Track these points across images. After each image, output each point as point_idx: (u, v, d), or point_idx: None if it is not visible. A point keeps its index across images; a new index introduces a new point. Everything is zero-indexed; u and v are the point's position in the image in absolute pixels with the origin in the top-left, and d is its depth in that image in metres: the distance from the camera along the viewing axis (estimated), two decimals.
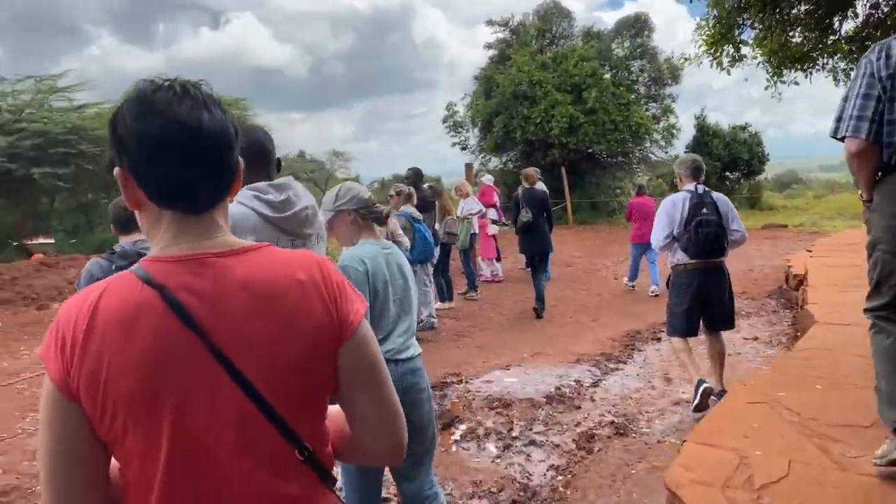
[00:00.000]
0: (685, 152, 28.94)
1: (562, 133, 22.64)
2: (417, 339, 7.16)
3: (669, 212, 4.89)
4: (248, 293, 1.06)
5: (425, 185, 8.75)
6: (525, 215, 8.41)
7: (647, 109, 24.67)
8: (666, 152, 25.62)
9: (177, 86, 1.07)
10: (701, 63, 10.55)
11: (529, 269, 10.18)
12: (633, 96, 24.14)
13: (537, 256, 8.72)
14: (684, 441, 3.64)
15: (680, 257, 4.91)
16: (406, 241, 7.01)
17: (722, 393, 4.80)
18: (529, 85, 23.47)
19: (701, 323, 5.12)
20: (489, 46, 26.73)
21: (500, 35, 26.52)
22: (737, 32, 9.37)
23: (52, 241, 20.25)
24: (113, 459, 1.07)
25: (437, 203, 8.53)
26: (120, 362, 0.99)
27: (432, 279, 8.46)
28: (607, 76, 24.37)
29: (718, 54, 9.76)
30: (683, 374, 5.57)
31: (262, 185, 2.40)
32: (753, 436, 3.50)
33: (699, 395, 4.84)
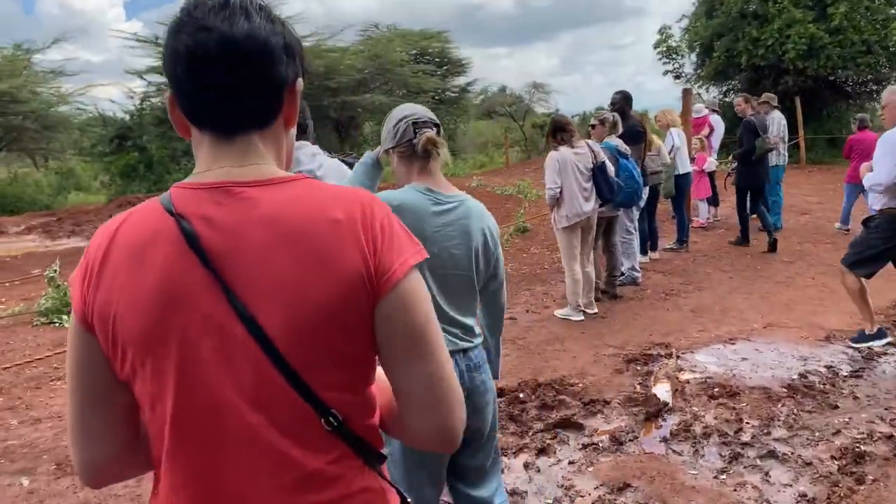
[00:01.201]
0: None
1: (798, 57, 19.43)
2: (615, 295, 6.01)
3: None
4: (271, 229, 0.92)
5: (633, 113, 7.30)
6: (766, 142, 7.68)
7: None
8: None
9: None
10: None
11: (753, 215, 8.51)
12: (892, 11, 20.04)
13: (753, 190, 8.18)
14: None
15: (892, 202, 4.58)
16: (611, 171, 5.80)
17: None
18: (760, 1, 20.32)
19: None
20: None
21: None
22: None
23: None
24: None
25: (646, 134, 7.10)
26: (128, 296, 0.92)
27: (636, 225, 7.14)
28: None
29: None
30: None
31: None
32: None
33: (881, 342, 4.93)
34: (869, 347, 4.93)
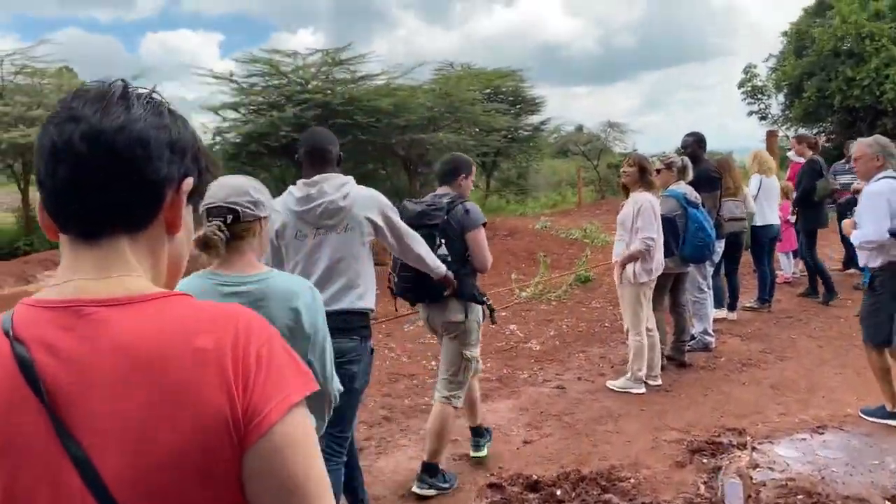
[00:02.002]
0: None
1: None
2: (683, 363, 5.57)
3: (890, 202, 4.19)
4: (123, 359, 0.79)
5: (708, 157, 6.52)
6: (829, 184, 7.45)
7: None
8: None
9: (115, 85, 0.88)
10: None
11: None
12: None
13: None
14: None
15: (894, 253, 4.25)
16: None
17: None
18: (857, 39, 19.07)
19: None
20: None
21: None
22: None
23: None
24: None
25: (722, 180, 6.31)
26: None
27: (710, 282, 6.32)
28: None
29: None
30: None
31: (300, 181, 2.98)
32: None
33: None
34: (887, 424, 4.43)
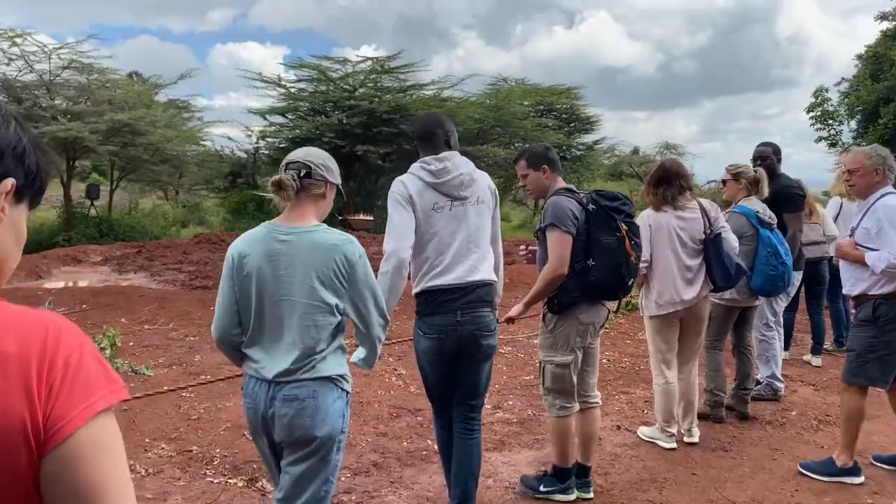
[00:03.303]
0: None
1: None
2: (745, 414, 4.75)
3: None
4: None
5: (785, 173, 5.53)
6: None
7: None
8: None
9: None
10: None
11: None
12: None
13: None
14: None
15: None
16: (732, 245, 4.16)
17: None
18: None
19: None
20: (882, 17, 21.00)
21: None
22: None
23: (371, 218, 20.60)
24: None
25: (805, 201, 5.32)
26: None
27: (780, 319, 5.34)
28: None
29: None
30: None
31: (427, 157, 3.05)
32: None
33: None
34: (840, 482, 3.85)
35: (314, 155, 2.40)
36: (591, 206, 3.44)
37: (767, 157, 5.25)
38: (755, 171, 4.73)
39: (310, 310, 2.26)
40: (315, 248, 2.27)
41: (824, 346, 6.41)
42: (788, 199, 5.02)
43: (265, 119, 22.13)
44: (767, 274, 4.55)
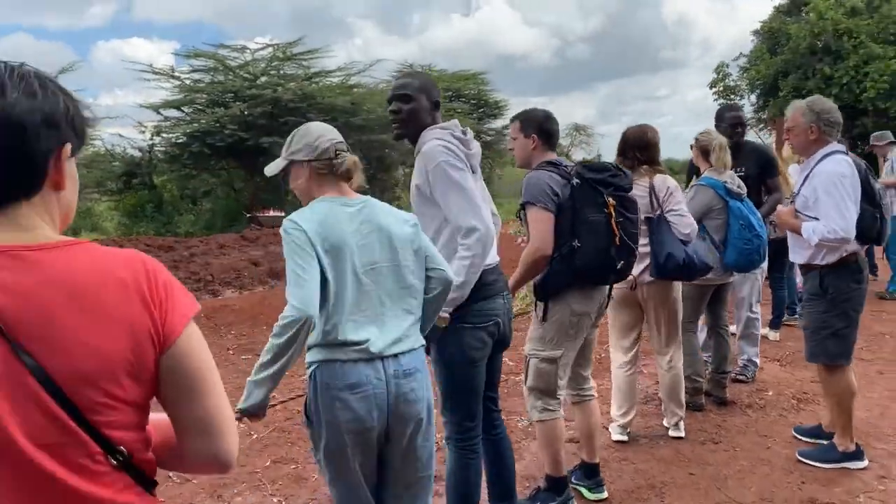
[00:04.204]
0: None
1: (879, 97, 17.33)
2: (724, 400, 4.44)
3: (853, 186, 3.38)
4: (61, 288, 1.00)
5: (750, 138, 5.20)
6: None
7: None
8: None
9: None
10: None
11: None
12: None
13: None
14: None
15: (851, 246, 3.46)
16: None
17: None
18: (834, 36, 18.36)
19: None
20: None
21: None
22: None
23: (282, 214, 19.63)
24: None
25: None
26: None
27: (758, 297, 4.99)
28: None
29: None
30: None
31: (447, 123, 2.65)
32: None
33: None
34: (844, 468, 3.54)
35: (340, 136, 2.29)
36: (574, 181, 2.94)
37: (724, 120, 4.91)
38: (716, 139, 4.34)
39: (400, 273, 2.12)
40: (385, 213, 2.18)
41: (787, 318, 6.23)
42: (772, 164, 4.71)
43: (159, 114, 20.66)
44: (742, 248, 4.19)
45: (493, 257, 2.64)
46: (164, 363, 1.07)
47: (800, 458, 3.65)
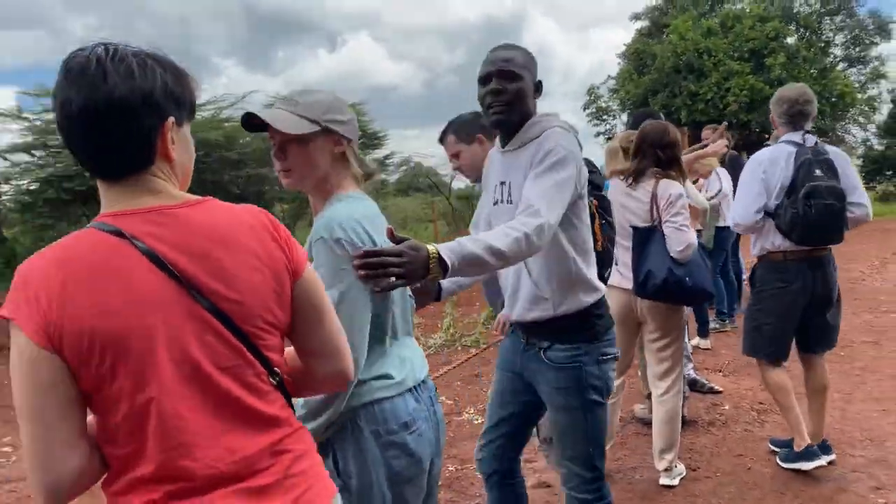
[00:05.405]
0: (879, 132, 23.66)
1: (740, 110, 18.36)
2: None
3: (766, 174, 3.33)
4: (209, 236, 1.14)
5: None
6: None
7: (848, 76, 19.80)
8: (865, 130, 20.64)
9: (94, 54, 1.10)
10: None
11: None
12: (828, 60, 19.46)
13: None
14: None
15: (777, 242, 3.34)
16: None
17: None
18: (695, 55, 19.35)
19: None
20: (636, 17, 22.77)
21: (652, 2, 22.48)
22: None
23: None
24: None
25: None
26: (102, 306, 1.05)
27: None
28: (791, 39, 19.82)
29: None
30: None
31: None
32: None
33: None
34: (797, 469, 3.40)
35: None
36: None
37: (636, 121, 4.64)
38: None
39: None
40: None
41: (711, 324, 6.06)
42: None
43: (6, 160, 18.63)
44: None
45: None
46: (297, 292, 1.22)
47: (783, 465, 3.44)
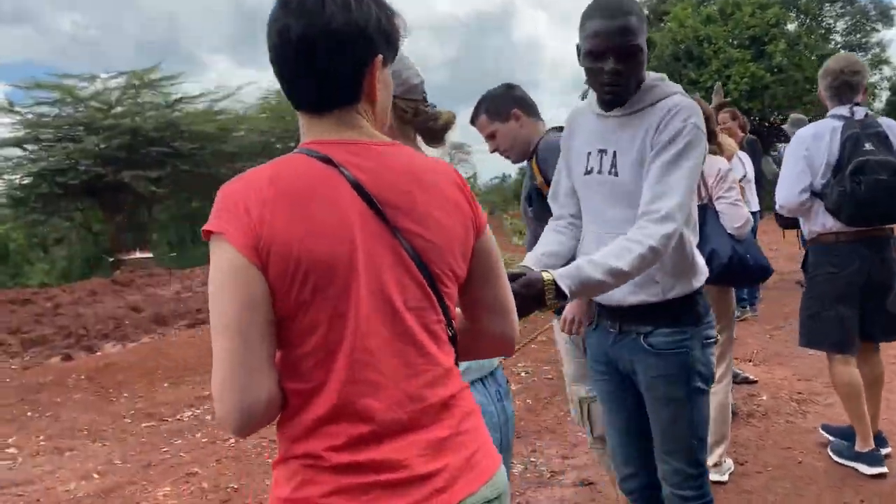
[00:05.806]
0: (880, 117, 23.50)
1: (741, 97, 18.17)
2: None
3: (809, 151, 3.11)
4: (407, 176, 1.14)
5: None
6: None
7: None
8: None
9: None
10: None
11: None
12: (830, 47, 19.31)
13: None
14: None
15: (827, 223, 3.12)
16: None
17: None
18: (695, 43, 19.17)
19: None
20: None
21: None
22: None
23: (149, 255, 17.84)
24: None
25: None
26: (310, 228, 1.03)
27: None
28: (792, 26, 19.66)
29: None
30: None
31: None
32: None
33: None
34: (855, 469, 3.17)
35: None
36: None
37: None
38: None
39: None
40: None
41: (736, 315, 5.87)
42: None
43: None
44: None
45: None
46: (477, 248, 1.22)
47: (835, 458, 3.27)
